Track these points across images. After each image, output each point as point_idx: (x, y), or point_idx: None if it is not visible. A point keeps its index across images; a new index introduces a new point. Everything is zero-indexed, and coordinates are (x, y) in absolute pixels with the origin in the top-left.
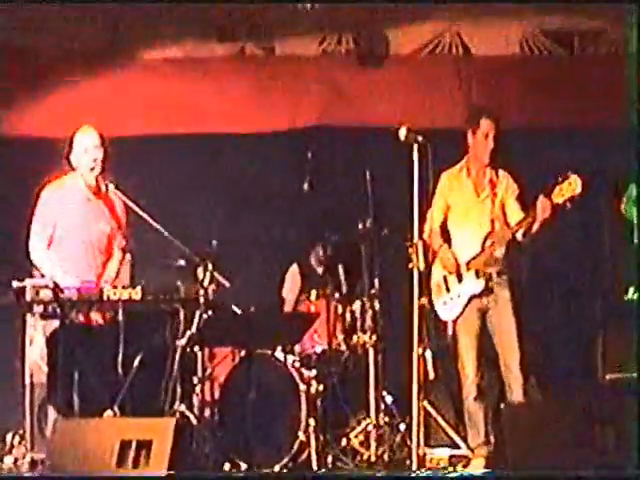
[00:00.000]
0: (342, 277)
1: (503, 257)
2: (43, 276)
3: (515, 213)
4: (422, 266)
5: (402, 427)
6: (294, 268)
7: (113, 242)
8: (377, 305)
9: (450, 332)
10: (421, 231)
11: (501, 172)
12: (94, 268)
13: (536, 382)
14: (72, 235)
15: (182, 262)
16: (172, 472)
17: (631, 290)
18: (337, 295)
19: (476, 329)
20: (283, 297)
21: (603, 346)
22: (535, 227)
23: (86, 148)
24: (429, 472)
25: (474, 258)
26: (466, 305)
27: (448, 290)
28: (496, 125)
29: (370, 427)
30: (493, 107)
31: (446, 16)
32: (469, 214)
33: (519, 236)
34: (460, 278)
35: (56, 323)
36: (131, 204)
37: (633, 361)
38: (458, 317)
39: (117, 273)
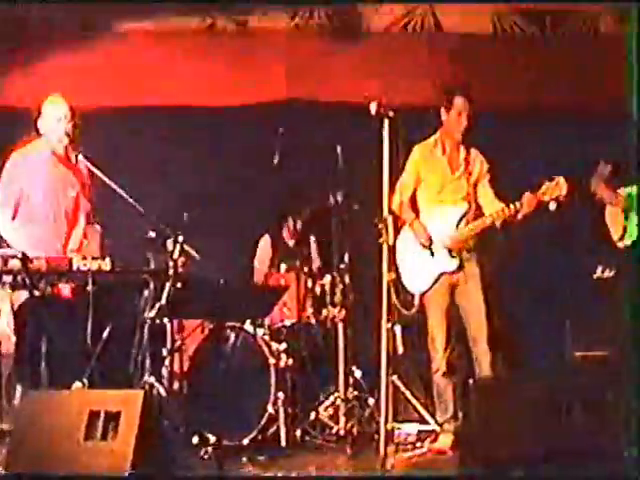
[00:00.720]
0: (312, 251)
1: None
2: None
3: (488, 196)
4: (391, 241)
5: (371, 401)
6: (266, 238)
7: (79, 210)
8: (347, 279)
9: (416, 304)
10: (390, 204)
11: (473, 151)
12: (60, 237)
13: (505, 358)
14: (38, 203)
15: (152, 234)
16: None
17: (599, 269)
18: (307, 269)
19: (446, 304)
20: (254, 266)
21: (572, 323)
22: (518, 218)
23: (55, 117)
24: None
25: (450, 239)
26: (436, 280)
27: (417, 262)
28: (470, 103)
29: (339, 401)
30: (467, 85)
31: None
32: (443, 191)
33: (498, 224)
34: (432, 253)
35: (25, 294)
36: (100, 175)
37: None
38: (427, 291)
39: (81, 242)
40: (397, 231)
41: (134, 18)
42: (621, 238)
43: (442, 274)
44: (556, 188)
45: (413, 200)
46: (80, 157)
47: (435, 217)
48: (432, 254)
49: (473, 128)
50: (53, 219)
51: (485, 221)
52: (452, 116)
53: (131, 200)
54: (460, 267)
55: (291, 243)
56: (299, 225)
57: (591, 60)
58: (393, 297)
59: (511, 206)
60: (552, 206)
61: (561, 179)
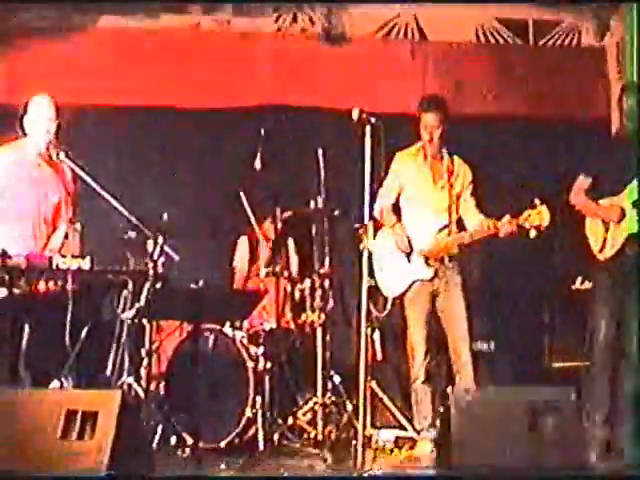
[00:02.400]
0: (291, 255)
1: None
2: None
3: (469, 209)
4: (372, 247)
5: (349, 407)
6: (244, 239)
7: (60, 213)
8: (326, 284)
9: (389, 308)
10: (371, 211)
11: (457, 160)
12: (40, 237)
13: (486, 368)
14: (19, 203)
15: (132, 234)
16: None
17: (578, 280)
18: (286, 273)
19: (426, 313)
20: (234, 264)
21: (550, 335)
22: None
23: (40, 116)
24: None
25: (428, 250)
26: (410, 286)
27: (394, 267)
28: (442, 115)
29: (317, 406)
30: (442, 96)
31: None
32: (425, 200)
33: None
34: (409, 259)
35: (3, 291)
36: (82, 174)
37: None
38: (400, 296)
39: (62, 244)
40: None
41: (118, 17)
42: (601, 250)
43: (416, 281)
44: (537, 217)
45: (396, 206)
46: (62, 156)
47: (415, 225)
48: (409, 260)
49: (444, 141)
50: (32, 220)
51: (464, 237)
52: (422, 130)
53: (111, 200)
54: (435, 276)
55: (270, 247)
56: (279, 229)
57: (573, 72)
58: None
59: (490, 226)
60: (532, 233)
61: (544, 208)
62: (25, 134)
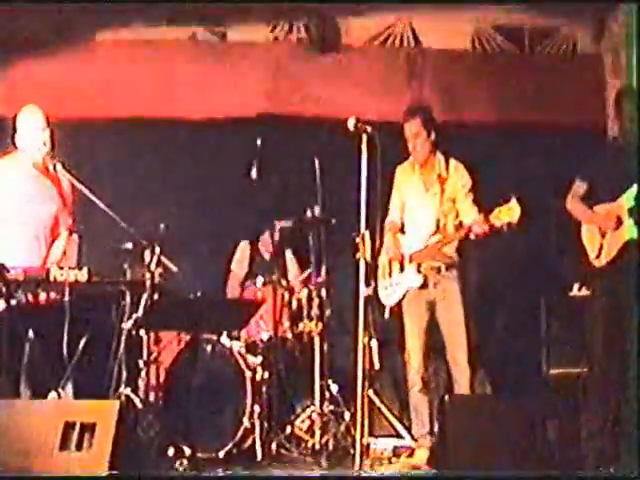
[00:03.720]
0: (289, 264)
1: (454, 252)
2: None
3: (467, 209)
4: (369, 256)
5: (347, 416)
6: (244, 243)
7: (59, 223)
8: (324, 293)
9: (387, 316)
10: (369, 220)
11: (452, 163)
12: (39, 249)
13: (484, 376)
14: (18, 215)
15: (129, 245)
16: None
17: (575, 286)
18: (284, 282)
19: (424, 322)
20: (231, 269)
21: (547, 341)
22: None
23: (32, 128)
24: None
25: (416, 252)
26: (404, 295)
27: (390, 275)
28: (423, 121)
29: (315, 415)
30: (423, 104)
31: (399, 8)
32: (417, 209)
33: (472, 236)
34: (402, 267)
35: (1, 303)
36: (79, 185)
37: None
38: (396, 305)
39: (63, 254)
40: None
41: (114, 29)
42: (597, 257)
43: (409, 289)
44: (507, 213)
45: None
46: (59, 167)
47: (409, 234)
48: (402, 269)
49: (435, 147)
50: (32, 231)
51: (442, 240)
52: (407, 141)
53: (109, 211)
54: (425, 284)
55: (268, 256)
56: (276, 238)
57: (568, 79)
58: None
59: (461, 230)
60: (505, 230)
61: (513, 203)
62: (16, 148)
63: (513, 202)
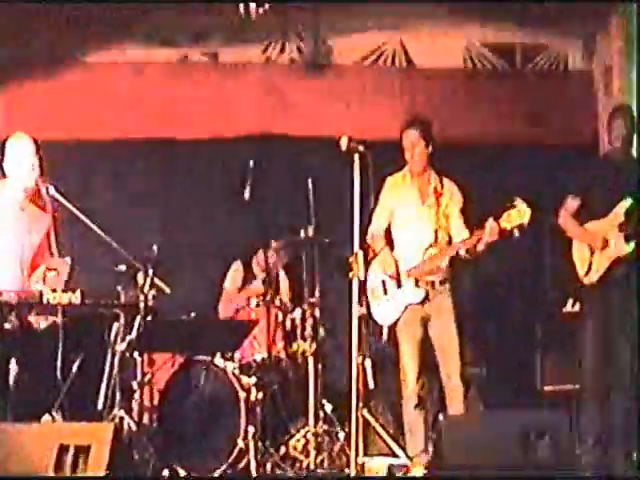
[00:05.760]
0: (282, 284)
1: (447, 267)
2: None
3: (458, 227)
4: (362, 275)
5: (341, 436)
6: (238, 263)
7: (50, 247)
8: (317, 313)
9: (385, 337)
10: (362, 239)
11: (446, 181)
12: (29, 274)
13: (477, 393)
14: (7, 239)
15: (122, 267)
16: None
17: (569, 302)
18: (277, 302)
19: (418, 337)
20: (224, 287)
21: (541, 358)
22: (480, 247)
23: (20, 156)
24: None
25: (415, 267)
26: (403, 312)
27: (386, 294)
28: (423, 132)
29: (309, 435)
30: (423, 116)
31: (390, 27)
32: (412, 221)
33: (462, 252)
34: (399, 284)
35: None
36: (72, 208)
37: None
38: (395, 323)
39: (44, 275)
40: (368, 263)
41: (105, 50)
42: (586, 274)
43: (408, 306)
44: (517, 215)
45: (388, 232)
46: (52, 190)
47: (405, 246)
48: (399, 286)
49: (431, 163)
50: (23, 256)
51: (448, 249)
52: (405, 150)
53: (101, 233)
54: (426, 299)
55: (261, 276)
56: (269, 258)
57: (559, 95)
58: (363, 329)
59: (473, 235)
60: (516, 233)
61: (523, 205)
62: (5, 176)
63: (520, 203)
